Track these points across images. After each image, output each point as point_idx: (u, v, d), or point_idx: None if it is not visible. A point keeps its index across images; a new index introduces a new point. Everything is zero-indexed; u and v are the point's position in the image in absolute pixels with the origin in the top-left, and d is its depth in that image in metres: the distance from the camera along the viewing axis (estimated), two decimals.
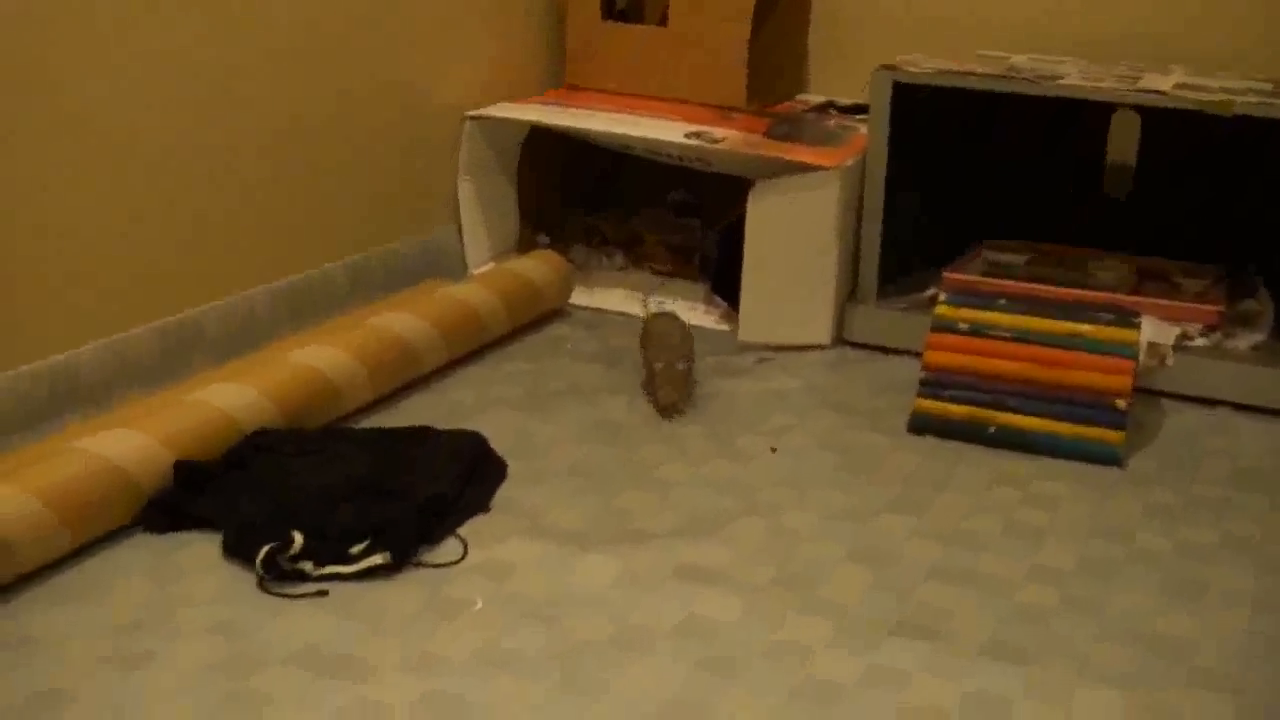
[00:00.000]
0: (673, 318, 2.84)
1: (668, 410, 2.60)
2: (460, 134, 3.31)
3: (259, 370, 2.41)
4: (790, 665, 1.84)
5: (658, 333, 2.75)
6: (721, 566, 2.08)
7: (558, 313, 3.25)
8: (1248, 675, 1.85)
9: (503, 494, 2.31)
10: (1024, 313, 2.64)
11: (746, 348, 3.05)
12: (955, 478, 2.44)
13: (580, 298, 3.34)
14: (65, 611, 1.88)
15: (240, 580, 1.99)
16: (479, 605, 1.96)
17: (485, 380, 2.80)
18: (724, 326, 3.16)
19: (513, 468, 2.39)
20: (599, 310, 3.29)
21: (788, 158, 3.02)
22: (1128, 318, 2.59)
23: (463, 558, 2.09)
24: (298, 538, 1.99)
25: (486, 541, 2.14)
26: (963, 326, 2.65)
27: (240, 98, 2.68)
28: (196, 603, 1.93)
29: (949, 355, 2.65)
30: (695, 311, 3.23)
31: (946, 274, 3.08)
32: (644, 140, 3.21)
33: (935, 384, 2.64)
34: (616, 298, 3.36)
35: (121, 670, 1.75)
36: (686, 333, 2.79)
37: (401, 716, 1.68)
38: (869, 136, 3.06)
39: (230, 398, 2.30)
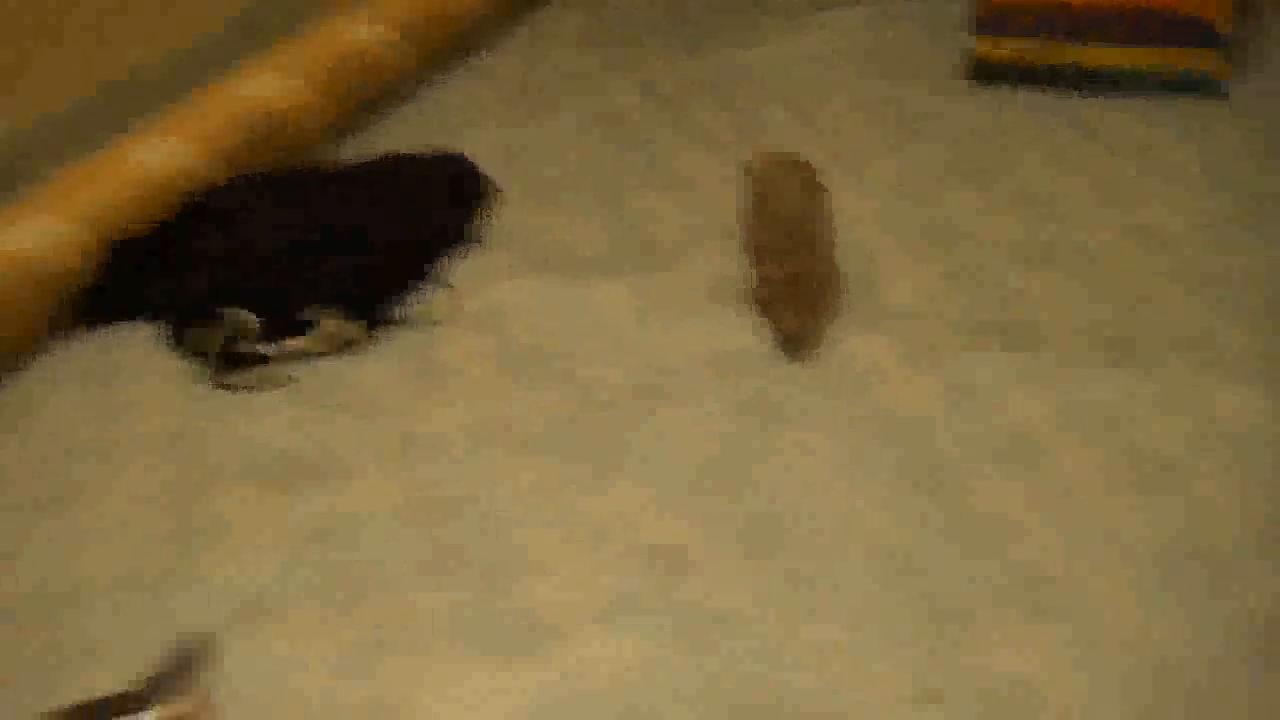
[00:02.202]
0: (794, 166, 1.75)
1: (794, 342, 1.59)
2: None
3: (191, 116, 2.03)
4: (850, 396, 1.51)
5: (771, 199, 1.70)
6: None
7: None
8: None
9: (498, 222, 1.94)
10: None
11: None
12: (1028, 132, 2.05)
13: None
14: None
15: (190, 377, 1.66)
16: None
17: (469, 86, 2.41)
18: None
19: (506, 186, 2.02)
20: None
21: None
22: None
23: (453, 310, 1.74)
24: (252, 319, 1.65)
25: (479, 284, 1.79)
26: None
27: None
28: (138, 414, 1.61)
29: None
30: None
31: None
32: None
33: (994, 23, 2.21)
34: None
35: (52, 510, 1.45)
36: (817, 194, 1.72)
37: (384, 528, 1.38)
38: None
39: (159, 155, 1.93)
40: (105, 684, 1.19)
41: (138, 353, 1.71)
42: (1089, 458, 1.39)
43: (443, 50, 2.44)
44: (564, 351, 1.64)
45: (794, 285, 1.58)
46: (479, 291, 1.77)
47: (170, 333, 1.72)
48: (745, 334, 1.61)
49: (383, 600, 1.30)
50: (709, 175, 1.99)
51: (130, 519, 1.43)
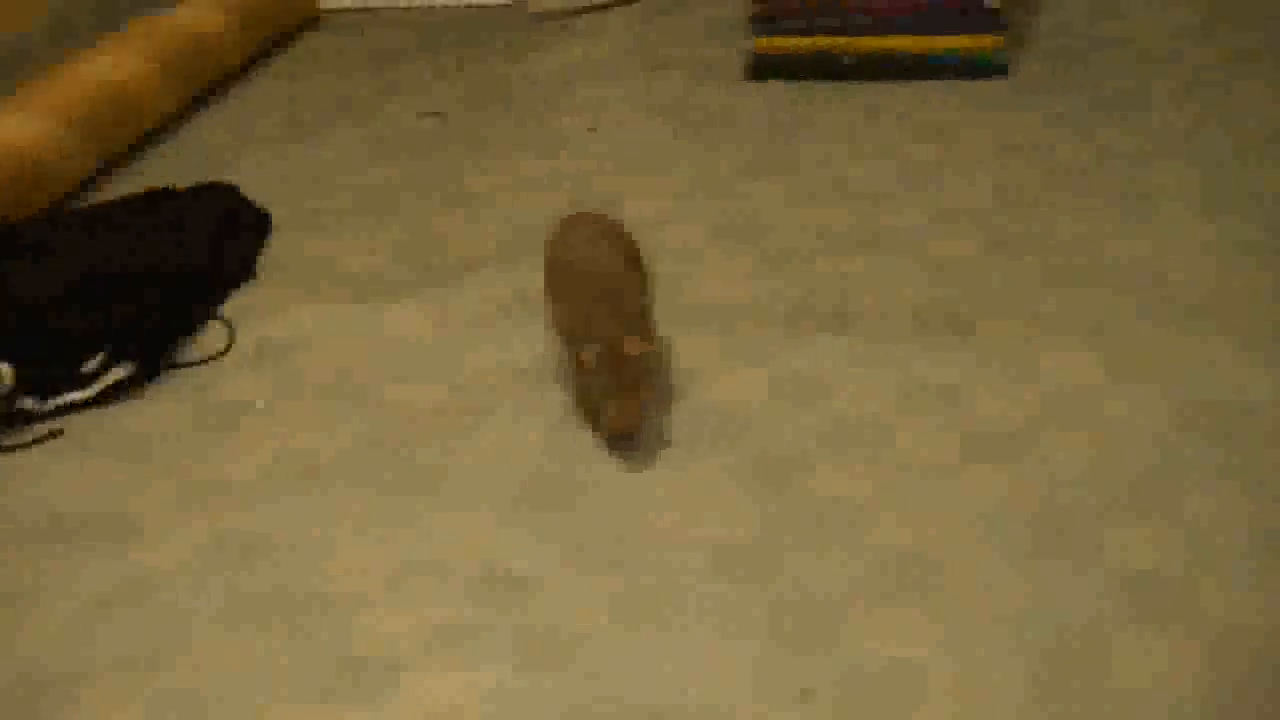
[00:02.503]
0: (594, 222, 1.51)
1: (622, 435, 1.37)
2: None
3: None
4: (674, 398, 1.42)
5: (573, 263, 1.44)
6: None
7: (309, 21, 2.68)
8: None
9: (273, 252, 1.81)
10: None
11: (539, 18, 2.54)
12: (819, 124, 2.01)
13: None
14: None
15: None
16: (260, 404, 1.49)
17: (235, 116, 2.26)
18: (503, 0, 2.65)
19: (281, 215, 1.88)
20: (365, 9, 2.73)
21: None
22: None
23: (229, 346, 1.60)
24: (4, 370, 1.48)
25: (260, 315, 1.66)
26: None
27: None
28: None
29: None
30: None
31: None
32: None
33: (769, 18, 2.17)
34: None
35: None
36: (624, 246, 1.48)
37: (185, 582, 1.24)
38: None
39: None
40: None
41: None
42: (933, 436, 1.33)
43: (202, 82, 2.30)
44: (358, 378, 1.51)
45: (612, 371, 1.31)
46: (259, 324, 1.63)
47: None
48: (547, 344, 1.51)
49: (193, 658, 1.15)
50: (496, 189, 1.90)
51: None
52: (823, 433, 1.35)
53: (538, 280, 1.52)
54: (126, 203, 1.91)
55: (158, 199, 1.91)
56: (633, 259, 1.46)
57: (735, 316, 1.55)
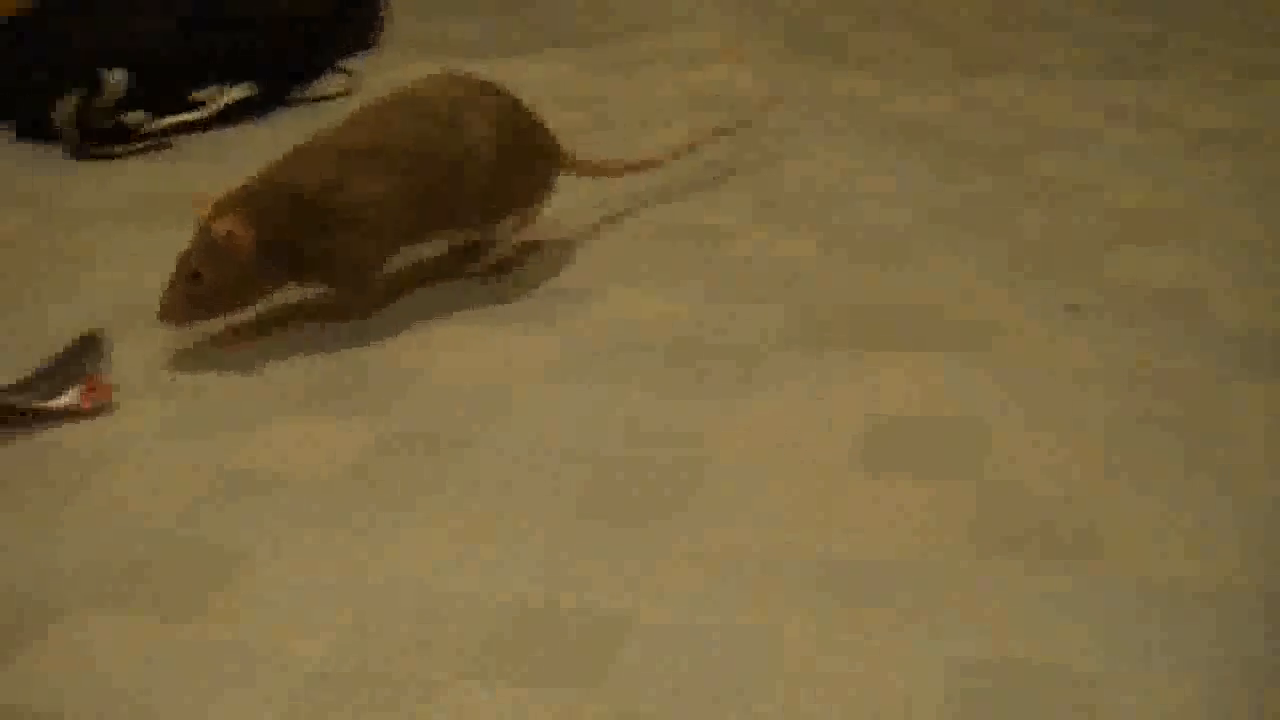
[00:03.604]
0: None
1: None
2: None
3: None
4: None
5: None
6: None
7: None
8: None
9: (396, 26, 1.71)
10: None
11: None
12: None
13: None
14: None
15: (37, 156, 1.37)
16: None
17: None
18: None
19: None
20: None
21: None
22: None
23: (350, 90, 1.50)
24: (115, 75, 1.37)
25: (380, 69, 1.55)
26: None
27: None
28: None
29: None
30: None
31: None
32: None
33: None
34: None
35: None
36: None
37: None
38: None
39: None
40: None
41: None
42: None
43: None
44: None
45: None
46: (379, 76, 1.53)
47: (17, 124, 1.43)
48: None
49: None
50: None
51: None
52: None
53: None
54: None
55: None
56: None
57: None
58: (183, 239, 0.94)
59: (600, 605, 0.67)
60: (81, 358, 0.94)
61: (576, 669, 0.63)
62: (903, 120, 1.34)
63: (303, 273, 0.96)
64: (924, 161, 1.23)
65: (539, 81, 1.48)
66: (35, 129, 1.41)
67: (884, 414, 0.83)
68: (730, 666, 0.62)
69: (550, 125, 1.06)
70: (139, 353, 0.96)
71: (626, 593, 0.68)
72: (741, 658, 0.63)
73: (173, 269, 0.93)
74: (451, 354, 0.93)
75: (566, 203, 1.11)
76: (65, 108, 1.36)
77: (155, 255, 1.02)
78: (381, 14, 1.70)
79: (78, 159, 1.36)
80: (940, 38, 1.62)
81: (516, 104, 1.02)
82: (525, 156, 1.02)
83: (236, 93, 1.42)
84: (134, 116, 1.38)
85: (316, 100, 1.47)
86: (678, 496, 0.76)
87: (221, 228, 0.91)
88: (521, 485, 0.78)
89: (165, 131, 1.40)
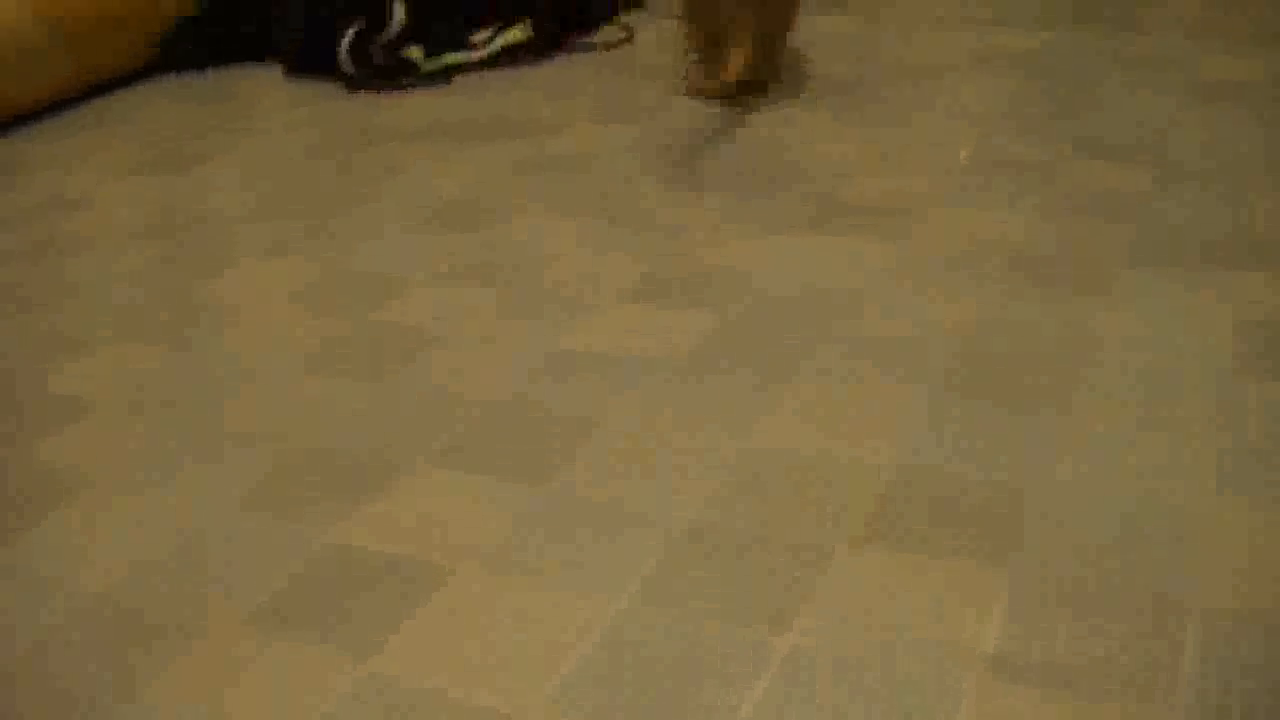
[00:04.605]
0: None
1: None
2: None
3: None
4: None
5: None
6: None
7: None
8: None
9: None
10: None
11: None
12: None
13: None
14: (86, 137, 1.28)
15: (312, 99, 1.37)
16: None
17: None
18: None
19: None
20: None
21: None
22: None
23: (629, 36, 1.48)
24: (398, 10, 1.37)
25: (648, 24, 1.53)
26: None
27: None
28: (265, 114, 1.32)
29: None
30: None
31: None
32: None
33: None
34: None
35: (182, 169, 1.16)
36: None
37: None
38: None
39: None
40: None
41: (243, 80, 1.43)
42: None
43: None
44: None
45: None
46: (648, 31, 1.50)
47: (289, 50, 1.44)
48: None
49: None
50: None
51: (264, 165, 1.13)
52: None
53: None
54: None
55: None
56: None
57: None
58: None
59: (991, 478, 0.62)
60: None
61: (973, 539, 0.58)
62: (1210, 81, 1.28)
63: None
64: (1237, 112, 1.17)
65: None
66: (307, 64, 1.42)
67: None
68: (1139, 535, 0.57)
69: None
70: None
71: (1012, 466, 0.63)
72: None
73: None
74: (788, 260, 0.89)
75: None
76: (347, 40, 1.36)
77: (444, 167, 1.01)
78: None
79: (353, 90, 1.35)
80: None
81: None
82: None
83: (512, 35, 1.41)
84: (413, 52, 1.38)
85: (592, 49, 1.45)
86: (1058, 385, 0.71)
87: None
88: (886, 365, 0.73)
89: (445, 70, 1.39)
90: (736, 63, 1.19)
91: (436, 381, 0.76)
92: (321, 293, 0.89)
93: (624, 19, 1.54)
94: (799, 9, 1.29)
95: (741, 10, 1.19)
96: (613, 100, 1.25)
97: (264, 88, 1.42)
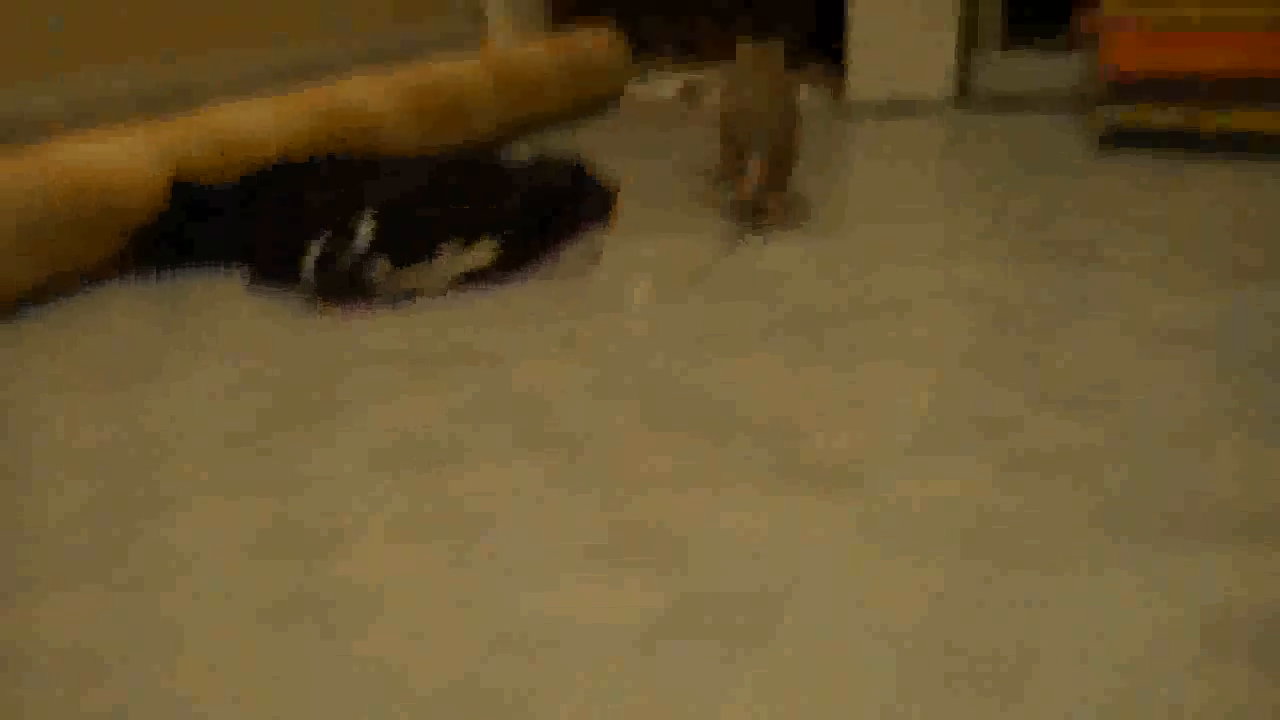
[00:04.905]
0: (771, 54, 1.62)
1: (755, 210, 1.63)
2: None
3: (287, 100, 1.80)
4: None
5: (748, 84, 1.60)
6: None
7: (614, 96, 2.66)
8: None
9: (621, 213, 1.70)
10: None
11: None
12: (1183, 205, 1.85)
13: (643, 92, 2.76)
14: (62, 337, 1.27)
15: (273, 313, 1.36)
16: (640, 290, 1.36)
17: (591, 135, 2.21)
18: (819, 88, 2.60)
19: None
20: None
21: None
22: None
23: (598, 254, 1.49)
24: (365, 222, 1.38)
25: (617, 244, 1.54)
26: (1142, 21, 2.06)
27: None
28: (224, 330, 1.31)
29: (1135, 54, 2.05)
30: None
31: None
32: None
33: (1127, 89, 2.05)
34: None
35: (134, 387, 1.14)
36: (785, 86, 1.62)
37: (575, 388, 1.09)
38: None
39: (247, 117, 1.69)
40: None
41: (204, 290, 1.43)
42: None
43: (524, 107, 2.27)
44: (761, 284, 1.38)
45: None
46: (614, 251, 1.52)
47: (254, 261, 1.44)
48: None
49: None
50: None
51: (221, 403, 1.12)
52: None
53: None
54: (465, 159, 1.82)
55: (495, 162, 1.82)
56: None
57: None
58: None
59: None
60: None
61: None
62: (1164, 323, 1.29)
63: None
64: (1198, 359, 1.17)
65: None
66: (271, 274, 1.42)
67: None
68: None
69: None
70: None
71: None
72: None
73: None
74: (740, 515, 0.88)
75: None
76: (313, 253, 1.36)
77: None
78: (611, 193, 1.69)
79: (317, 303, 1.35)
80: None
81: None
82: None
83: (478, 253, 1.41)
84: (381, 266, 1.38)
85: (558, 272, 1.45)
86: None
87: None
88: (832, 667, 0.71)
89: (408, 291, 1.39)
90: (752, 177, 1.52)
91: (377, 653, 0.73)
92: (272, 541, 0.87)
93: (595, 236, 1.55)
94: (800, 147, 1.61)
95: (759, 125, 1.54)
96: (576, 331, 1.25)
97: (223, 299, 1.41)
